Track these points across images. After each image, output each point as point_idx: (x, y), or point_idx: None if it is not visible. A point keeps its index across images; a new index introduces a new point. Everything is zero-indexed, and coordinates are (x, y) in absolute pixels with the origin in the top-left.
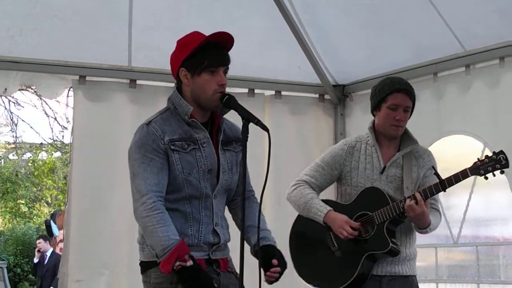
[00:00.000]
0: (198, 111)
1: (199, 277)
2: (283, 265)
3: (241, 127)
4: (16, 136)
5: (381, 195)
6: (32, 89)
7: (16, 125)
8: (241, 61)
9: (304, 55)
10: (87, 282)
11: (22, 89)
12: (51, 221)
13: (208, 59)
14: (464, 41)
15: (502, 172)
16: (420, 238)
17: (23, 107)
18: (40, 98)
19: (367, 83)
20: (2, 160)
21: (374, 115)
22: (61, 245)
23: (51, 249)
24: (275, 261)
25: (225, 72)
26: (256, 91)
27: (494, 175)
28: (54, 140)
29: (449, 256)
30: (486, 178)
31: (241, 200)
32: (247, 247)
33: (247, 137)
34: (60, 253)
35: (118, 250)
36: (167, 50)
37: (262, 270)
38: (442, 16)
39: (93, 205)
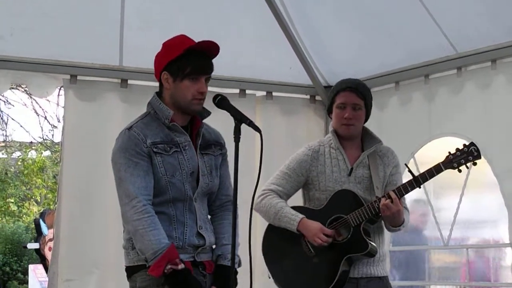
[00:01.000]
0: (178, 115)
1: (189, 280)
2: None
3: (217, 133)
4: (5, 135)
5: (354, 197)
6: (22, 88)
7: (6, 123)
8: (232, 62)
9: (296, 56)
10: (77, 281)
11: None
12: (41, 220)
13: (191, 66)
14: (456, 43)
15: (474, 164)
16: (411, 240)
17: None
18: (30, 97)
19: None
20: None
21: (331, 118)
22: (50, 244)
23: None
24: None
25: (207, 80)
26: (247, 91)
27: (467, 167)
28: (44, 139)
29: (439, 258)
30: (460, 171)
31: (233, 203)
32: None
33: (239, 137)
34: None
35: (108, 250)
36: (158, 50)
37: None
38: (434, 18)
39: (83, 204)
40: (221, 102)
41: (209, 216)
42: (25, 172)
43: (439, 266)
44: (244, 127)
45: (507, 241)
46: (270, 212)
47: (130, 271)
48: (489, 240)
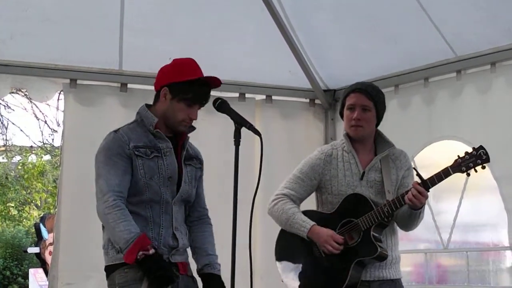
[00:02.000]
0: (163, 125)
1: (161, 264)
2: None
3: (197, 151)
4: (5, 139)
5: (364, 201)
6: (22, 92)
7: (6, 128)
8: (232, 65)
9: (295, 59)
10: (77, 285)
11: (13, 92)
12: (41, 224)
13: (192, 93)
14: (455, 46)
15: (483, 167)
16: (410, 244)
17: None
18: (30, 101)
19: None
20: None
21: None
22: (50, 248)
23: None
24: None
25: (200, 107)
26: (247, 95)
27: (476, 171)
28: (44, 143)
29: (439, 262)
30: (468, 174)
31: (233, 206)
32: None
33: (239, 141)
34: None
35: None
36: (158, 54)
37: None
38: (433, 21)
39: (83, 208)
40: (221, 105)
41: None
42: (25, 176)
43: (439, 269)
44: (243, 130)
45: (507, 244)
46: (282, 217)
47: (109, 270)
48: (488, 243)
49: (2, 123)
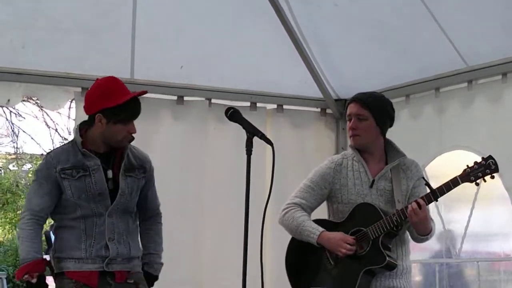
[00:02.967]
0: (96, 143)
1: None
2: None
3: (142, 158)
4: (16, 147)
5: (374, 209)
6: (33, 100)
7: (17, 136)
8: (243, 75)
9: (306, 69)
10: None
11: (24, 100)
12: (51, 232)
13: (124, 113)
14: (467, 57)
15: (492, 177)
16: (421, 253)
17: (24, 118)
18: (42, 109)
19: None
20: (3, 171)
21: None
22: None
23: None
24: None
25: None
26: (258, 104)
27: (485, 180)
28: None
29: (450, 271)
30: (477, 184)
31: (245, 215)
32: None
33: (251, 150)
34: None
35: None
36: (169, 62)
37: None
38: (444, 31)
39: None
40: (234, 115)
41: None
42: None
43: (450, 279)
44: (255, 139)
45: None
46: (292, 225)
47: (54, 279)
48: (499, 253)
49: (13, 131)
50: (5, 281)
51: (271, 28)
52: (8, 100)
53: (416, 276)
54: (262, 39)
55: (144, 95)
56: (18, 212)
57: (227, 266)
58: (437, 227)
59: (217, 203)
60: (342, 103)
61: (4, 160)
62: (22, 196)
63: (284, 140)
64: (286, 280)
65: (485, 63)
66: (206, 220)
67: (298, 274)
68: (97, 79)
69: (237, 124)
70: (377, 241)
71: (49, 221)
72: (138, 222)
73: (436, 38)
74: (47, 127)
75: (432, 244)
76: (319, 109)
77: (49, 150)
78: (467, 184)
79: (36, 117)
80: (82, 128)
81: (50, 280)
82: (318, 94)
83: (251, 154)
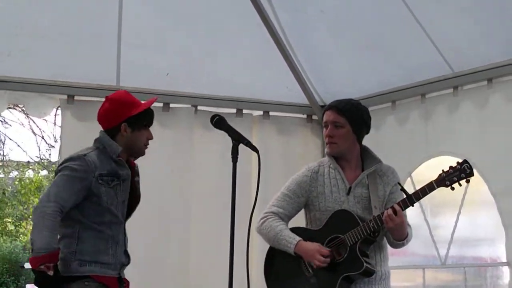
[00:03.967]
0: (124, 154)
1: (47, 285)
2: None
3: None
4: (3, 154)
5: (350, 216)
6: (19, 107)
7: (3, 143)
8: (229, 81)
9: (292, 75)
10: None
11: (10, 108)
12: None
13: (147, 119)
14: (452, 62)
15: (467, 181)
16: (407, 259)
17: (10, 125)
18: (28, 117)
19: None
20: None
21: None
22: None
23: None
24: None
25: None
26: (244, 111)
27: (460, 184)
28: (41, 159)
29: (436, 277)
30: (453, 188)
31: (231, 223)
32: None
33: (237, 158)
34: None
35: None
36: (155, 69)
37: None
38: (430, 37)
39: None
40: (219, 122)
41: None
42: (22, 191)
43: (436, 285)
44: (241, 146)
45: (504, 260)
46: (270, 234)
47: (67, 279)
48: (486, 259)
49: None
50: None
51: (257, 34)
52: None
53: (403, 281)
54: (248, 46)
55: None
56: (4, 219)
57: (214, 273)
58: (424, 232)
59: (203, 210)
60: None
61: None
62: (8, 204)
63: (270, 146)
64: None
65: (471, 69)
66: (192, 227)
67: (276, 282)
68: (106, 96)
69: (223, 131)
70: (355, 247)
71: None
72: None
73: (422, 44)
74: (33, 134)
75: (419, 249)
76: (305, 116)
77: (82, 153)
78: (451, 189)
79: (22, 124)
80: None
81: None
82: (304, 101)
83: (236, 161)
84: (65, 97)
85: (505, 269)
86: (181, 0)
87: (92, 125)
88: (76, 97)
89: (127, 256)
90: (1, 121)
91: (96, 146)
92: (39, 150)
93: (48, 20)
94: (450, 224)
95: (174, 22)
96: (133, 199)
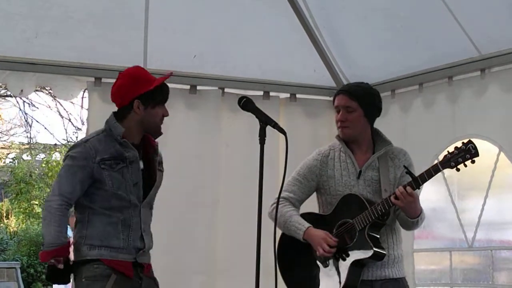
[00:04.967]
0: (132, 134)
1: (58, 277)
2: None
3: (161, 155)
4: (30, 137)
5: (359, 200)
6: (46, 90)
7: (30, 126)
8: (256, 64)
9: (319, 58)
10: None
11: (37, 90)
12: None
13: (161, 96)
14: (479, 45)
15: (473, 162)
16: (434, 242)
17: (37, 108)
18: (55, 99)
19: (381, 86)
20: (16, 161)
21: None
22: None
23: None
24: None
25: None
26: (271, 93)
27: (465, 165)
28: (68, 141)
29: (463, 260)
30: (458, 170)
31: (258, 204)
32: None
33: (265, 140)
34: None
35: None
36: (182, 52)
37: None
38: (457, 20)
39: None
40: (247, 104)
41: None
42: (49, 174)
43: (463, 268)
44: (268, 128)
45: None
46: (280, 220)
47: (78, 264)
48: None
49: (26, 121)
50: (19, 271)
51: (284, 17)
52: (21, 90)
53: (430, 264)
54: (275, 28)
55: None
56: (31, 202)
57: (241, 256)
58: (451, 215)
59: (230, 192)
60: None
61: (18, 150)
62: (35, 186)
63: (297, 128)
64: None
65: (498, 51)
66: (220, 210)
67: (289, 268)
68: (120, 72)
69: (250, 113)
70: (363, 232)
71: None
72: None
73: (449, 27)
74: (60, 117)
75: (446, 232)
76: (331, 98)
77: (84, 139)
78: (480, 171)
79: (49, 107)
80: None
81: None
82: (331, 83)
83: (264, 143)
84: (92, 79)
85: None
86: None
87: None
88: (103, 80)
89: (143, 240)
90: (29, 103)
91: (103, 129)
92: (66, 132)
93: (75, 2)
94: (478, 207)
95: (201, 5)
96: (150, 180)
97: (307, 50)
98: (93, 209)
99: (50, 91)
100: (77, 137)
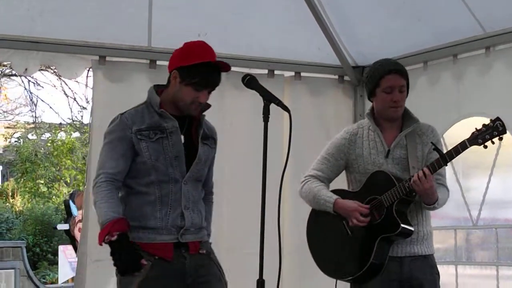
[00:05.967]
0: (168, 105)
1: (123, 249)
2: None
3: (214, 130)
4: (35, 116)
5: (387, 177)
6: (51, 69)
7: (35, 105)
8: (260, 42)
9: (324, 36)
10: (106, 261)
11: (42, 69)
12: (70, 201)
13: (199, 78)
14: (484, 23)
15: (500, 139)
16: (439, 220)
17: (42, 87)
18: (60, 78)
19: None
20: (22, 140)
21: (371, 101)
22: (80, 225)
23: None
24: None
25: (211, 91)
26: (276, 72)
27: (493, 142)
28: (73, 120)
29: (468, 238)
30: (485, 147)
31: (262, 183)
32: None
33: (268, 117)
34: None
35: None
36: (187, 30)
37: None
38: None
39: None
40: (250, 82)
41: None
42: (55, 153)
43: (468, 246)
44: (272, 106)
45: None
46: (309, 196)
47: None
48: None
49: (31, 100)
50: (24, 250)
51: None
52: (26, 69)
53: (435, 243)
54: (280, 6)
55: (160, 62)
56: (37, 181)
57: (246, 233)
58: (455, 194)
59: (234, 170)
60: (360, 70)
61: (23, 130)
62: (41, 165)
63: (301, 107)
64: (304, 249)
65: (503, 29)
66: (224, 188)
67: (317, 243)
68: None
69: (254, 91)
70: (391, 208)
71: (68, 190)
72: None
73: (453, 4)
74: (65, 96)
75: (451, 211)
76: (336, 76)
77: (123, 112)
78: (485, 150)
79: (54, 86)
80: (158, 90)
81: (69, 249)
82: (336, 61)
83: (268, 120)
84: (97, 58)
85: None
86: None
87: (124, 86)
88: (107, 58)
89: (184, 218)
90: (34, 83)
91: (145, 101)
92: (71, 111)
93: None
94: (482, 186)
95: None
96: (192, 153)
97: (311, 28)
98: (131, 188)
99: (55, 70)
100: (82, 116)
